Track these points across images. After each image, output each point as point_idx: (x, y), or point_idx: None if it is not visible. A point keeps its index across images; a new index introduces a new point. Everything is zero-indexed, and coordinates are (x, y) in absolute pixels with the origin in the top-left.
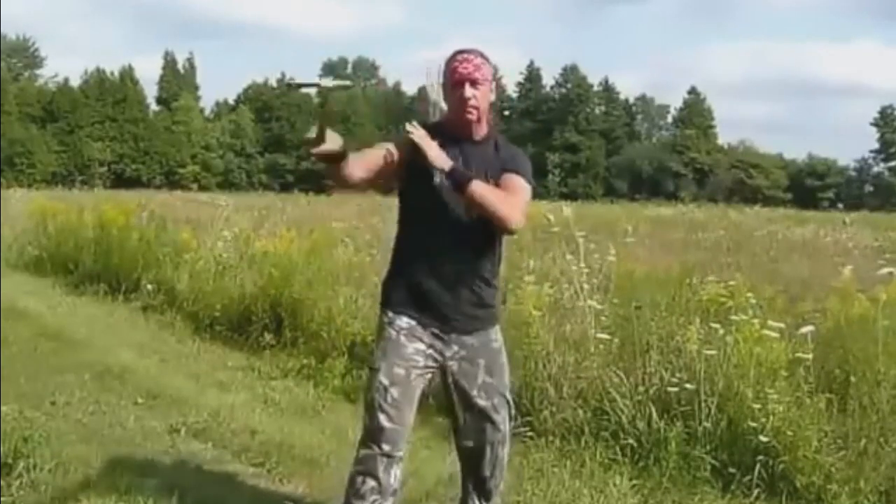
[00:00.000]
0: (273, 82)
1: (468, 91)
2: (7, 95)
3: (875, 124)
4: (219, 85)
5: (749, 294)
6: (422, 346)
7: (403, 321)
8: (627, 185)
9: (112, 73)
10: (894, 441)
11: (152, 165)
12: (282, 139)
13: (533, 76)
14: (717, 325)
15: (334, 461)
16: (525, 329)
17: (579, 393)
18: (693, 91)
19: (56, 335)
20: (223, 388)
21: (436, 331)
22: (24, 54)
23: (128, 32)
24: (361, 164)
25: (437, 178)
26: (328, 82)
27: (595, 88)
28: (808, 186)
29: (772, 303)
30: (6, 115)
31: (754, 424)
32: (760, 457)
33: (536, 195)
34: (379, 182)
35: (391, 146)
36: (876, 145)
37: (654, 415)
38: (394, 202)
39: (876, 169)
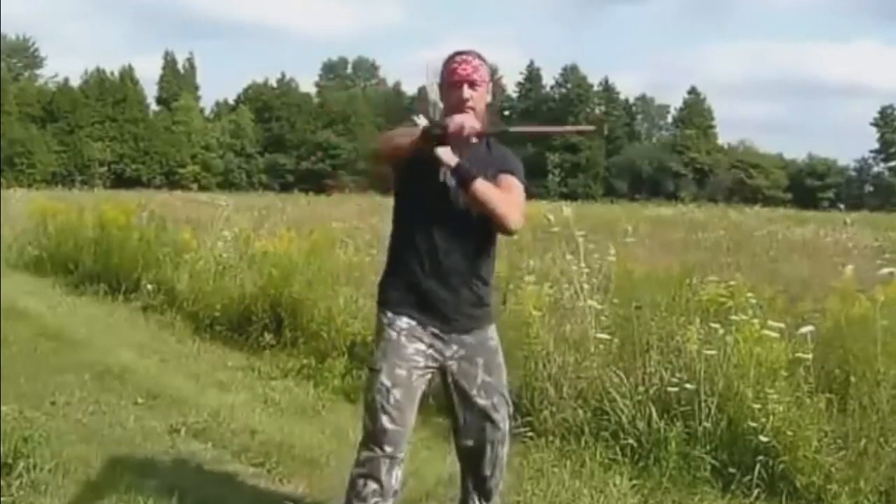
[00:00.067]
0: (273, 82)
1: (466, 92)
2: (7, 95)
3: (875, 124)
4: (219, 85)
5: (749, 294)
6: (422, 347)
7: (403, 321)
8: (627, 185)
9: (112, 73)
10: (894, 441)
11: (152, 165)
12: (282, 139)
13: (533, 76)
14: (717, 325)
15: (334, 461)
16: (525, 329)
17: (579, 393)
18: (693, 91)
19: (56, 335)
20: (223, 388)
21: (436, 331)
22: (24, 54)
23: (128, 32)
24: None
25: (443, 175)
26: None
27: (595, 88)
28: (808, 186)
29: (772, 303)
30: (6, 115)
31: (754, 424)
32: (760, 457)
33: (536, 195)
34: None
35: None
36: (876, 145)
37: (654, 415)
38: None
39: (876, 169)
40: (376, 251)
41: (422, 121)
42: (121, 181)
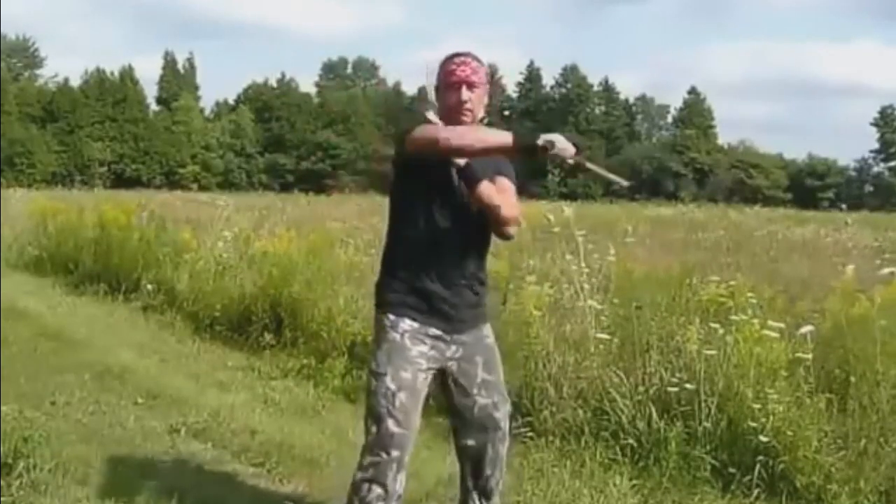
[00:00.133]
0: (273, 82)
1: (465, 94)
2: (7, 95)
3: (875, 124)
4: (219, 85)
5: (749, 294)
6: (424, 349)
7: (406, 323)
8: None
9: (112, 73)
10: (894, 441)
11: (152, 165)
12: (282, 139)
13: (533, 76)
14: (717, 325)
15: (334, 461)
16: (525, 329)
17: (579, 393)
18: (693, 91)
19: (56, 335)
20: (223, 388)
21: (438, 332)
22: (24, 54)
23: (128, 32)
24: None
25: (455, 178)
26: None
27: (595, 88)
28: (808, 186)
29: (772, 303)
30: (6, 115)
31: (754, 424)
32: (760, 457)
33: (536, 195)
34: None
35: None
36: (876, 145)
37: (654, 415)
38: None
39: (876, 169)
40: (375, 251)
41: (434, 117)
42: (121, 181)
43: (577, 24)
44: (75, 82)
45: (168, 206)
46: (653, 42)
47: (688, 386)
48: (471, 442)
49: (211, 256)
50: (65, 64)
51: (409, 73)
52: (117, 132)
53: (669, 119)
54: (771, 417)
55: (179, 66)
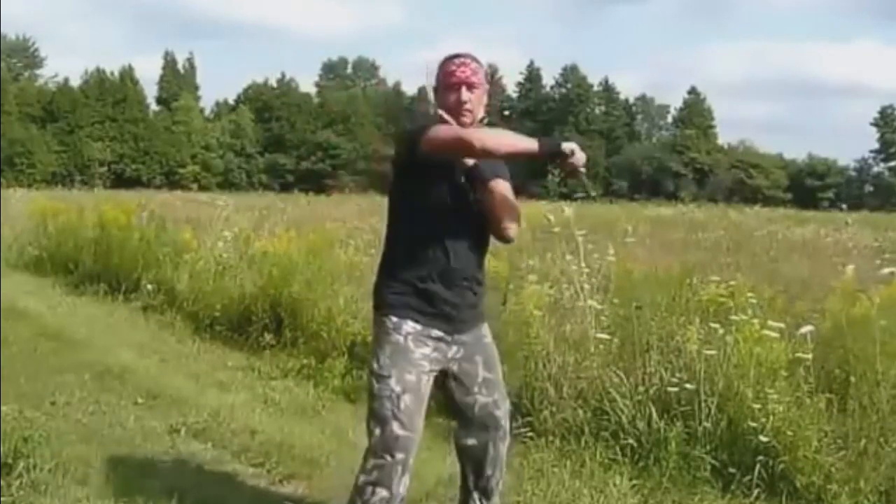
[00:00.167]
0: (273, 82)
1: (465, 94)
2: (7, 95)
3: (875, 124)
4: (219, 85)
5: (749, 294)
6: (427, 351)
7: (409, 325)
8: (627, 185)
9: (112, 73)
10: (894, 441)
11: (152, 165)
12: (282, 139)
13: (533, 76)
14: (717, 325)
15: (334, 461)
16: (525, 329)
17: (579, 393)
18: (693, 91)
19: (56, 335)
20: (223, 388)
21: (440, 333)
22: (24, 54)
23: (128, 32)
24: None
25: (461, 179)
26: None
27: (595, 88)
28: (808, 186)
29: (772, 303)
30: (6, 115)
31: (754, 424)
32: (760, 457)
33: (536, 195)
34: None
35: None
36: (876, 145)
37: (654, 415)
38: None
39: (876, 169)
40: (375, 251)
41: (449, 118)
42: (121, 181)
43: (577, 24)
44: (75, 82)
45: (168, 206)
46: (653, 42)
47: (688, 386)
48: (472, 441)
49: (211, 256)
50: (65, 64)
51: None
52: (117, 132)
53: (669, 119)
54: (771, 417)
55: (179, 66)
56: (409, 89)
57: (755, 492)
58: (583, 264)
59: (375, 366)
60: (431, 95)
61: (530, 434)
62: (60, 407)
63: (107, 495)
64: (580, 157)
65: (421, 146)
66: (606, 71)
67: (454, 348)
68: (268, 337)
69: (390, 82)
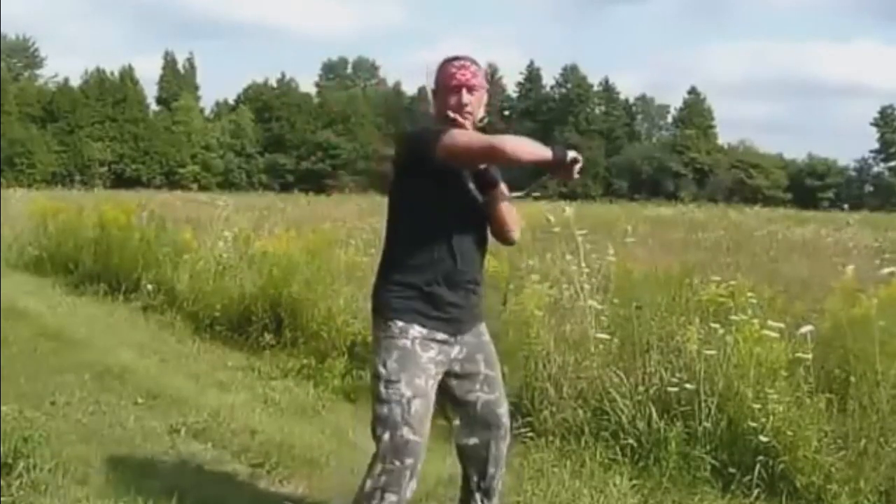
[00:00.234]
0: (273, 82)
1: (466, 97)
2: (7, 95)
3: (875, 124)
4: (219, 85)
5: (749, 294)
6: (433, 354)
7: (416, 330)
8: (627, 185)
9: (112, 73)
10: (894, 441)
11: (152, 165)
12: (282, 139)
13: (533, 76)
14: (717, 325)
15: (334, 461)
16: (525, 329)
17: (579, 393)
18: (693, 91)
19: (56, 335)
20: (223, 388)
21: (444, 336)
22: (24, 54)
23: (128, 32)
24: None
25: (467, 179)
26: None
27: (595, 88)
28: (808, 186)
29: (772, 303)
30: (6, 115)
31: (754, 424)
32: (760, 457)
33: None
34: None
35: None
36: (876, 145)
37: (654, 415)
38: None
39: (876, 169)
40: (375, 251)
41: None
42: (121, 181)
43: (577, 24)
44: (75, 82)
45: (168, 206)
46: (653, 42)
47: (688, 386)
48: (474, 440)
49: (211, 256)
50: (65, 64)
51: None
52: (117, 132)
53: (669, 119)
54: (771, 417)
55: (179, 66)
56: (409, 89)
57: (755, 492)
58: (583, 264)
59: (382, 370)
60: (431, 97)
61: (530, 434)
62: (60, 407)
63: (107, 495)
64: (580, 166)
65: (437, 152)
66: (606, 71)
67: (457, 349)
68: (268, 337)
69: (390, 82)
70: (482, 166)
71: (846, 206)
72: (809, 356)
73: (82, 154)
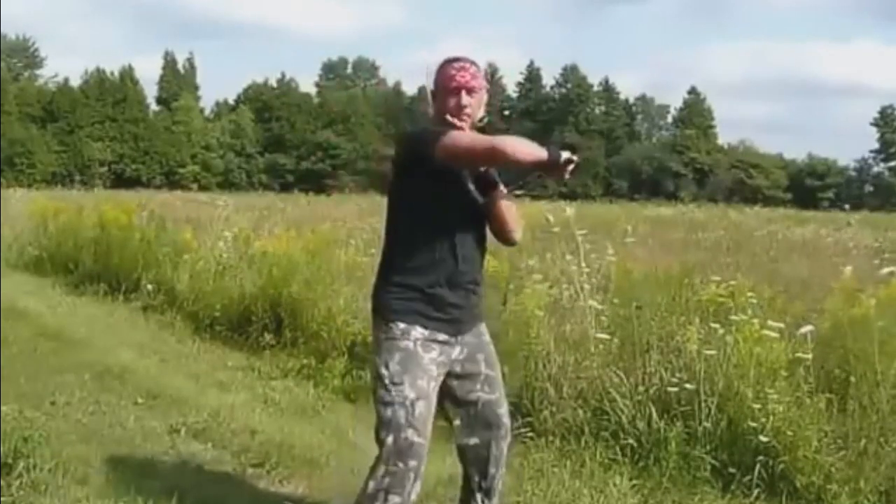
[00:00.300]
0: (273, 82)
1: (465, 99)
2: (7, 95)
3: (875, 124)
4: (219, 85)
5: (749, 294)
6: (434, 355)
7: (417, 331)
8: (627, 185)
9: (112, 73)
10: (894, 441)
11: (152, 165)
12: (282, 139)
13: (533, 76)
14: (717, 325)
15: (334, 461)
16: (525, 329)
17: (579, 393)
18: (693, 91)
19: (56, 335)
20: (223, 388)
21: (445, 337)
22: (24, 54)
23: (128, 32)
24: None
25: (466, 180)
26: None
27: (595, 88)
28: (808, 186)
29: (772, 303)
30: (6, 115)
31: (754, 424)
32: (760, 457)
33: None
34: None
35: None
36: (876, 145)
37: (654, 415)
38: None
39: (876, 169)
40: (376, 251)
41: (465, 125)
42: (121, 181)
43: (577, 24)
44: (75, 82)
45: (168, 206)
46: (653, 42)
47: (688, 386)
48: (475, 440)
49: (211, 256)
50: (65, 64)
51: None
52: (117, 132)
53: (669, 119)
54: (771, 417)
55: (179, 66)
56: (409, 89)
57: (755, 492)
58: (583, 264)
59: (385, 372)
60: (430, 98)
61: (530, 434)
62: (60, 407)
63: (107, 495)
64: (572, 167)
65: (437, 153)
66: (606, 71)
67: (458, 349)
68: (268, 337)
69: (390, 82)
70: (481, 168)
71: (847, 206)
72: (809, 356)
73: (82, 154)
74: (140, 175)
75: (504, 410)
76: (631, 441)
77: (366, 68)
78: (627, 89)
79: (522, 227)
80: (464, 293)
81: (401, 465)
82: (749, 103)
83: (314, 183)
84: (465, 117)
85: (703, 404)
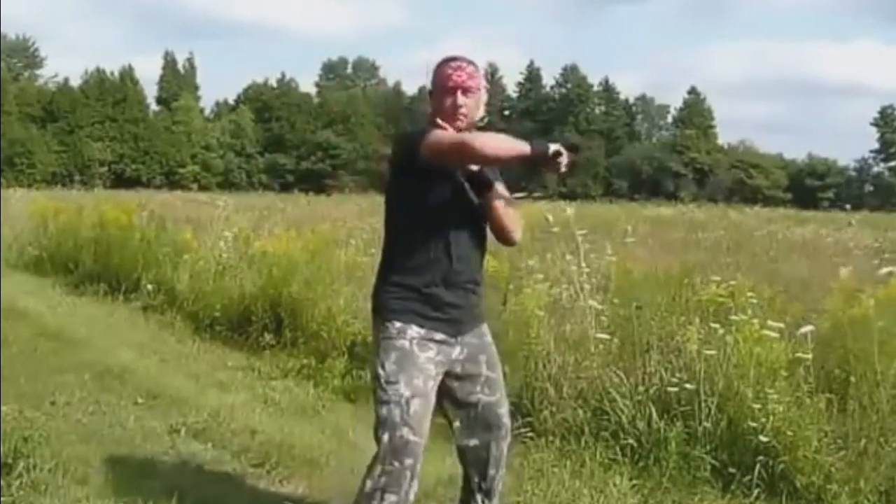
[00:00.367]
0: (273, 82)
1: (461, 99)
2: (7, 95)
3: (875, 124)
4: (219, 85)
5: (749, 294)
6: (431, 354)
7: (413, 330)
8: (627, 185)
9: (112, 73)
10: (894, 441)
11: (152, 165)
12: (282, 139)
13: (533, 76)
14: (717, 325)
15: (334, 461)
16: (525, 329)
17: (579, 393)
18: (693, 91)
19: (56, 335)
20: (223, 388)
21: (443, 336)
22: (24, 54)
23: (128, 32)
24: None
25: (461, 180)
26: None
27: (595, 88)
28: (808, 186)
29: (771, 303)
30: (6, 115)
31: (754, 424)
32: (760, 457)
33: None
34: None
35: None
36: (876, 145)
37: (654, 415)
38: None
39: (876, 169)
40: (375, 251)
41: (447, 125)
42: (121, 181)
43: (577, 24)
44: (75, 82)
45: (168, 206)
46: (653, 42)
47: (688, 386)
48: (474, 441)
49: (211, 256)
50: (65, 64)
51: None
52: (117, 132)
53: (669, 119)
54: (771, 417)
55: (179, 66)
56: (409, 89)
57: (755, 492)
58: (583, 264)
59: (381, 372)
60: (429, 97)
61: (530, 434)
62: (60, 407)
63: (107, 495)
64: (565, 159)
65: (421, 151)
66: (606, 71)
67: (458, 349)
68: (268, 337)
69: (390, 82)
70: (474, 168)
71: (848, 206)
72: (809, 356)
73: (82, 154)
74: (140, 175)
75: (504, 411)
76: (631, 441)
77: (366, 68)
78: (627, 89)
79: (522, 227)
80: (462, 293)
81: (396, 463)
82: (749, 103)
83: (314, 183)
84: (461, 117)
85: (703, 404)
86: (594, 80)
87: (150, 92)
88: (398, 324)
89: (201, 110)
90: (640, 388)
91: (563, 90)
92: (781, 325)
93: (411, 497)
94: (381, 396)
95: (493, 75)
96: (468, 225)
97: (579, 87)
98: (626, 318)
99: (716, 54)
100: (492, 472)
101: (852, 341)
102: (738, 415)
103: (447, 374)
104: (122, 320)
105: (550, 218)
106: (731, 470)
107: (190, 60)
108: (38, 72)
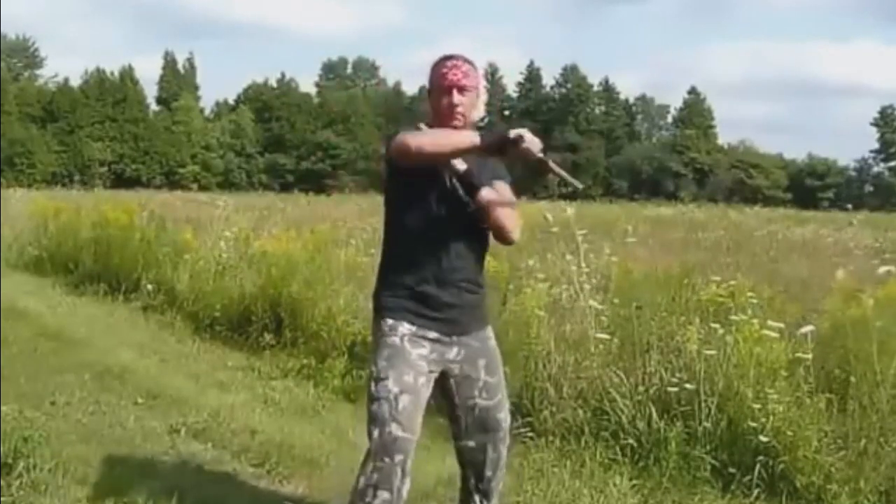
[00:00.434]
0: (273, 82)
1: (456, 97)
2: (7, 95)
3: (875, 124)
4: (219, 85)
5: (749, 294)
6: (424, 352)
7: (405, 327)
8: (627, 185)
9: (112, 73)
10: (894, 441)
11: (152, 165)
12: (282, 139)
13: (533, 76)
14: (717, 325)
15: (334, 461)
16: (525, 329)
17: (579, 393)
18: (693, 91)
19: (56, 335)
20: (223, 388)
21: (437, 335)
22: (24, 54)
23: (128, 32)
24: None
25: (449, 181)
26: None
27: (595, 88)
28: (808, 186)
29: (771, 303)
30: (6, 115)
31: (754, 424)
32: (760, 457)
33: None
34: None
35: None
36: (876, 145)
37: (654, 415)
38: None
39: (876, 169)
40: (375, 251)
41: (423, 126)
42: (121, 181)
43: (577, 24)
44: (75, 82)
45: (168, 206)
46: (653, 42)
47: (688, 386)
48: (472, 443)
49: (211, 256)
50: (65, 64)
51: (409, 73)
52: (117, 132)
53: (669, 119)
54: (771, 417)
55: (179, 66)
56: (409, 89)
57: (755, 492)
58: (583, 264)
59: (373, 369)
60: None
61: (530, 434)
62: (60, 407)
63: (107, 495)
64: (534, 143)
65: (391, 152)
66: (606, 71)
67: (454, 349)
68: (268, 337)
69: (390, 82)
70: (462, 168)
71: (849, 206)
72: (809, 356)
73: (82, 154)
74: (140, 175)
75: (504, 415)
76: (631, 441)
77: (366, 68)
78: (627, 89)
79: (521, 226)
80: (456, 291)
81: (387, 460)
82: (749, 103)
83: (314, 183)
84: (458, 116)
85: (703, 404)
86: (594, 80)
87: (150, 92)
88: (390, 321)
89: (201, 110)
90: (640, 388)
91: (563, 90)
92: (781, 325)
93: (404, 493)
94: (372, 393)
95: (493, 75)
96: (462, 224)
97: (579, 87)
98: (626, 318)
99: (716, 54)
100: (488, 473)
101: (852, 341)
102: (738, 415)
103: (445, 375)
104: (122, 320)
105: (550, 218)
106: (731, 470)
107: (190, 60)
108: (38, 72)
